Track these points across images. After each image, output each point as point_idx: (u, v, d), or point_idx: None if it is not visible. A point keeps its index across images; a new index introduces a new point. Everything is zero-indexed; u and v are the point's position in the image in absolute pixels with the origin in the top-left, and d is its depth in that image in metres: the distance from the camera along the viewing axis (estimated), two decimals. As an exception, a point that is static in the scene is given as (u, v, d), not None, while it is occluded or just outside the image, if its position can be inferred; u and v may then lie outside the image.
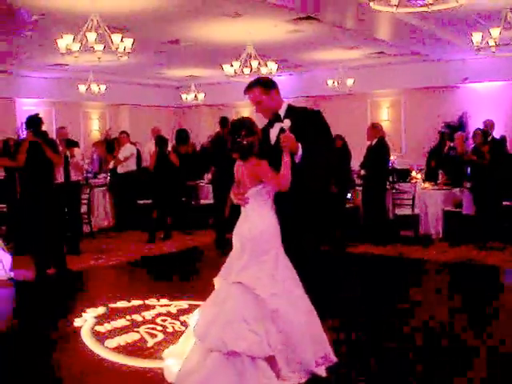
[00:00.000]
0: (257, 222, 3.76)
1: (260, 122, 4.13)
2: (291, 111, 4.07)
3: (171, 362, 3.94)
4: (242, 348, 3.48)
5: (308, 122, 3.98)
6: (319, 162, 3.92)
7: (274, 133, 4.01)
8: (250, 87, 4.06)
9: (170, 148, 10.25)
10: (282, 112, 4.05)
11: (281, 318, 3.59)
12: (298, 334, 3.62)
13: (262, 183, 3.77)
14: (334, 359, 3.83)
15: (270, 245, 3.73)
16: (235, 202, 3.94)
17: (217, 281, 3.87)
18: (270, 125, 4.04)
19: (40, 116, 7.20)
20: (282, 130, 3.91)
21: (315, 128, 3.96)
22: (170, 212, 9.63)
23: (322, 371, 3.71)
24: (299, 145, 3.79)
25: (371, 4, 6.55)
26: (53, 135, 9.30)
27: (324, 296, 4.13)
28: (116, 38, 8.17)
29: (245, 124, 3.85)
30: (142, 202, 10.45)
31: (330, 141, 4.13)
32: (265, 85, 4.05)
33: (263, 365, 3.51)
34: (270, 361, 3.55)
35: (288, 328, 3.60)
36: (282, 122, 3.95)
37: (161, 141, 9.67)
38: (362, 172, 8.94)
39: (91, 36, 7.92)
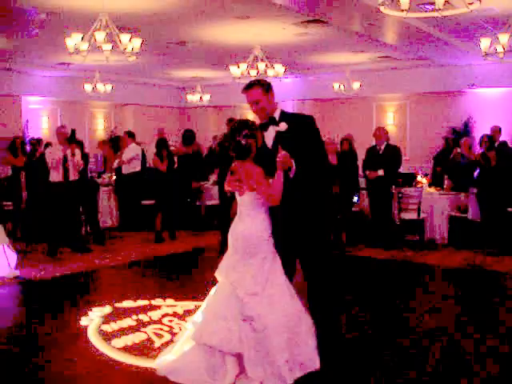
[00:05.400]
0: (248, 225, 3.86)
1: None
2: (285, 116, 4.10)
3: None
4: (214, 343, 3.68)
5: (302, 127, 4.03)
6: (312, 177, 3.97)
7: (270, 136, 4.02)
8: (249, 86, 4.07)
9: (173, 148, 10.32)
10: (276, 115, 4.08)
11: (256, 318, 3.66)
12: (271, 336, 3.64)
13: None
14: (315, 367, 3.76)
15: (257, 249, 3.80)
16: (227, 189, 4.03)
17: (217, 276, 3.99)
18: (265, 127, 4.04)
19: None
20: (278, 134, 3.97)
21: (309, 136, 4.00)
22: (173, 212, 9.62)
23: (291, 377, 3.65)
24: (293, 161, 3.83)
25: (381, 8, 6.56)
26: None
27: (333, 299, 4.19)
28: (124, 37, 8.18)
29: (248, 125, 3.87)
30: (146, 202, 10.44)
31: (322, 155, 4.12)
32: (264, 85, 4.07)
33: (231, 360, 3.68)
34: (239, 358, 3.68)
35: (262, 328, 3.65)
36: (277, 125, 3.98)
37: (159, 143, 9.76)
38: (380, 173, 8.59)
39: (100, 35, 7.92)
